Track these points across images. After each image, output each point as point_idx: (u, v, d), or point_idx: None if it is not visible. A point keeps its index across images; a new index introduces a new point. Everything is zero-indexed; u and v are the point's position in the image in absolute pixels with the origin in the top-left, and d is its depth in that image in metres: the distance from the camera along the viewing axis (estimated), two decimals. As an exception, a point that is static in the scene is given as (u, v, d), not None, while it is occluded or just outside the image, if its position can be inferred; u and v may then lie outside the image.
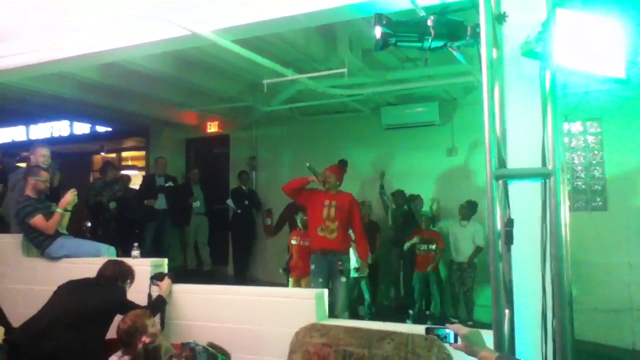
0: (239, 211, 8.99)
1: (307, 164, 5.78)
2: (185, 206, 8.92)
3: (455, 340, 2.23)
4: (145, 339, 2.87)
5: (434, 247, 7.23)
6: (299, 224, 6.74)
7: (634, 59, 2.25)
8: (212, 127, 9.93)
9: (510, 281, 2.57)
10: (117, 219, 8.03)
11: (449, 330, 2.23)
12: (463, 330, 2.23)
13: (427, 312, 7.33)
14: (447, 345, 2.38)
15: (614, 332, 6.33)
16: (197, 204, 8.94)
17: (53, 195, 5.51)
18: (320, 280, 5.56)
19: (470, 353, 2.21)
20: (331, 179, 5.70)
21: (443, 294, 7.40)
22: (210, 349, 2.21)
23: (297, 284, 6.78)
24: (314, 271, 5.66)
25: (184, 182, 9.42)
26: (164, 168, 8.80)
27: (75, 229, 7.61)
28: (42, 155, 5.74)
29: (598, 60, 2.25)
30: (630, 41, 2.25)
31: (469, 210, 7.13)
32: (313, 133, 9.10)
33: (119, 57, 5.30)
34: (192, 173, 9.34)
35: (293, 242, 6.72)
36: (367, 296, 7.03)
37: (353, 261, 6.68)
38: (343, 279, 5.59)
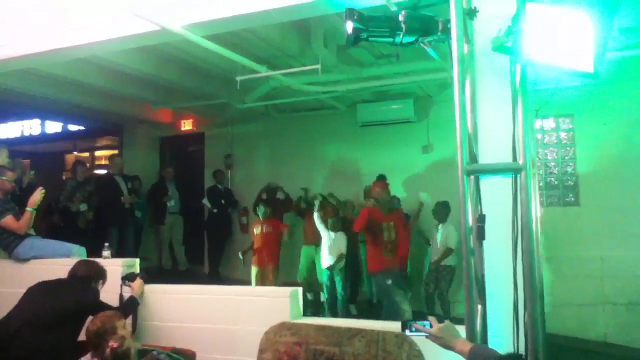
0: (215, 210, 8.92)
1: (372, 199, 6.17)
2: (160, 205, 8.79)
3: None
4: (113, 344, 2.79)
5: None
6: (259, 215, 7.23)
7: (601, 53, 2.26)
8: (187, 125, 9.83)
9: (483, 276, 2.57)
10: (89, 222, 7.81)
11: (426, 323, 2.25)
12: (434, 327, 2.23)
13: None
14: (422, 338, 2.38)
15: (586, 325, 6.42)
16: (171, 203, 8.83)
17: (24, 195, 5.40)
18: (402, 291, 5.95)
19: (445, 346, 2.21)
20: (384, 196, 6.04)
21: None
22: (174, 355, 2.15)
23: (261, 272, 6.84)
24: (393, 286, 5.88)
25: (158, 180, 9.27)
26: (120, 167, 8.46)
27: (49, 229, 7.47)
28: (6, 157, 5.62)
29: (567, 54, 2.25)
30: (598, 36, 2.27)
31: (443, 211, 7.08)
32: (289, 130, 9.06)
33: (88, 52, 5.19)
34: (166, 171, 9.20)
35: (255, 230, 7.12)
36: (339, 291, 7.02)
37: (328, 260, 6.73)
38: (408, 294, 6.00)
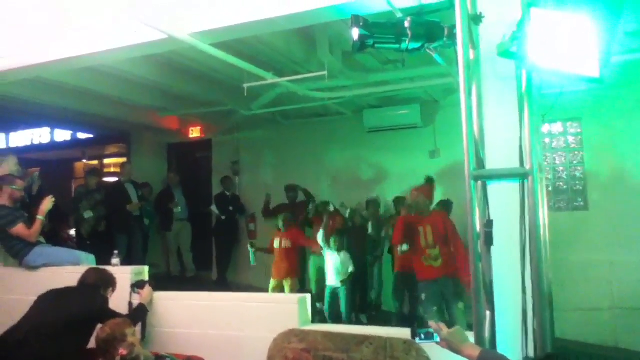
0: (223, 217, 8.93)
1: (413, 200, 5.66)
2: (167, 211, 8.82)
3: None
4: (123, 351, 2.81)
5: None
6: (280, 226, 6.95)
7: (607, 57, 2.26)
8: (194, 132, 9.85)
9: (491, 282, 2.57)
10: (93, 231, 7.76)
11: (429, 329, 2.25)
12: (444, 331, 2.24)
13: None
14: (430, 345, 2.37)
15: (595, 330, 6.37)
16: (177, 209, 8.85)
17: (33, 203, 5.45)
18: (435, 308, 5.31)
19: (454, 351, 2.21)
20: (420, 201, 5.54)
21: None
22: None
23: (279, 284, 6.76)
24: (425, 300, 5.39)
25: (165, 187, 9.30)
26: (130, 174, 8.50)
27: (58, 237, 7.50)
28: (14, 164, 5.66)
29: (572, 59, 2.26)
30: (604, 40, 2.27)
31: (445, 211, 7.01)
32: (296, 136, 9.07)
33: (96, 61, 5.24)
34: (169, 177, 9.24)
35: (275, 244, 6.88)
36: (343, 306, 6.82)
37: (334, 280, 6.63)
38: (460, 305, 5.45)
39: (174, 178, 9.17)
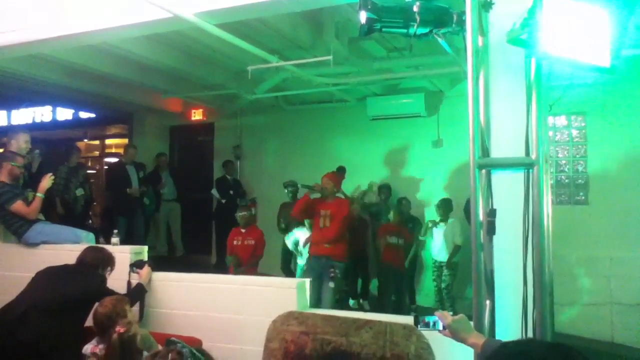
0: (224, 201, 8.92)
1: (299, 185, 6.42)
2: (155, 193, 8.84)
3: (444, 328, 2.23)
4: (120, 329, 2.80)
5: (402, 241, 7.05)
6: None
7: (618, 48, 2.22)
8: (197, 115, 9.83)
9: (492, 271, 2.55)
10: (85, 208, 7.77)
11: (437, 318, 2.24)
12: (447, 319, 2.22)
13: (413, 306, 7.37)
14: (434, 332, 2.36)
15: (593, 325, 6.38)
16: (163, 190, 8.85)
17: (33, 181, 5.43)
18: (310, 279, 5.54)
19: (458, 340, 2.20)
20: (328, 187, 5.86)
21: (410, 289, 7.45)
22: (197, 353, 2.12)
23: None
24: (306, 271, 5.95)
25: (154, 168, 9.26)
26: (133, 156, 8.47)
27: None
28: (24, 142, 5.62)
29: (583, 48, 2.22)
30: (616, 30, 2.23)
31: (446, 208, 7.09)
32: (298, 122, 9.05)
33: (99, 39, 5.19)
34: (160, 159, 9.22)
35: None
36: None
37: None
38: (331, 284, 5.67)
39: (163, 160, 9.16)
